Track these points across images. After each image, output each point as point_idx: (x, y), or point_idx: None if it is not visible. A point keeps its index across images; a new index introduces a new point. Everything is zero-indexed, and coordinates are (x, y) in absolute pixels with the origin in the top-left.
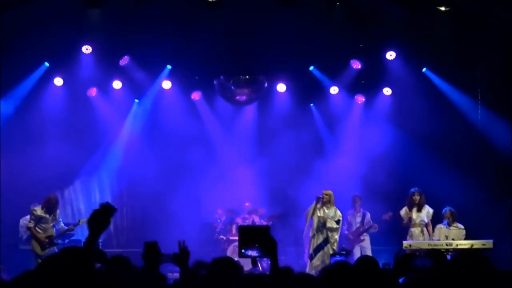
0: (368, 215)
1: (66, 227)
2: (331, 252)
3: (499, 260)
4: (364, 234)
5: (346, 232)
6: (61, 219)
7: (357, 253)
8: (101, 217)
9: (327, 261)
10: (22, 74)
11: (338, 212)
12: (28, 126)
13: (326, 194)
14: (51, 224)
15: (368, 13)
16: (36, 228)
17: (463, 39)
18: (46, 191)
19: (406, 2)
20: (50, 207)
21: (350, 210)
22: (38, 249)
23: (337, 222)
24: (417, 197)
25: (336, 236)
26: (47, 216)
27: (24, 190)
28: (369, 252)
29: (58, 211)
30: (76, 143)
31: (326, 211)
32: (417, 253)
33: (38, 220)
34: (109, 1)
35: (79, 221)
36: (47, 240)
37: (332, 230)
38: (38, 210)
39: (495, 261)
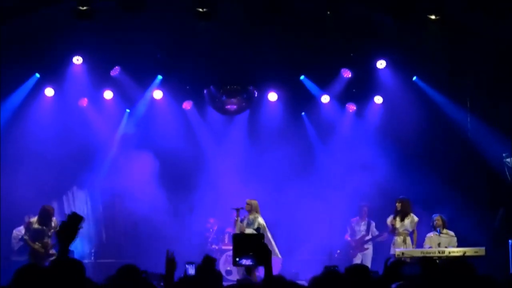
0: (373, 224)
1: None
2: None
3: (492, 267)
4: (369, 243)
5: (348, 239)
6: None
7: (357, 261)
8: (69, 228)
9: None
10: (12, 85)
11: (260, 220)
12: (19, 138)
13: (248, 204)
14: (48, 234)
15: (358, 22)
16: (32, 239)
17: (453, 47)
18: (39, 202)
19: (396, 11)
20: (45, 218)
21: (355, 218)
22: (35, 260)
23: (256, 229)
24: (398, 205)
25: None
26: (43, 228)
27: (17, 201)
28: (369, 261)
29: (54, 219)
30: (68, 154)
31: (250, 217)
32: (408, 260)
33: (33, 232)
34: (100, 12)
35: None
36: (42, 250)
37: None
38: (34, 223)
39: (488, 268)
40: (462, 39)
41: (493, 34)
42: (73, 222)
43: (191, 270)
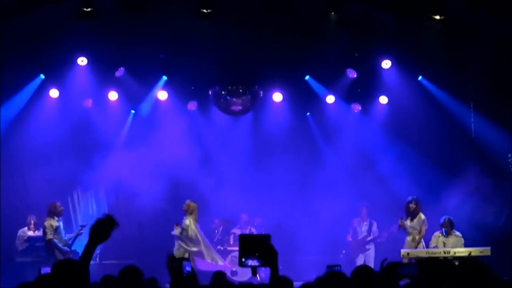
0: (375, 225)
1: (72, 234)
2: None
3: (497, 267)
4: (370, 243)
5: (350, 239)
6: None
7: (360, 262)
8: (104, 227)
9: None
10: (17, 86)
11: (186, 222)
12: (24, 138)
13: (187, 204)
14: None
15: (363, 22)
16: (54, 239)
17: (456, 47)
18: (43, 203)
19: (401, 11)
20: (60, 214)
21: (357, 218)
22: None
23: (181, 231)
24: (413, 206)
25: (181, 243)
26: (60, 224)
27: (21, 202)
28: (372, 261)
29: None
30: (73, 155)
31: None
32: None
33: (56, 230)
34: (104, 13)
35: (81, 226)
36: (68, 249)
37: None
38: (53, 222)
39: (493, 268)
40: (465, 38)
41: (496, 34)
42: (109, 223)
43: (188, 268)
